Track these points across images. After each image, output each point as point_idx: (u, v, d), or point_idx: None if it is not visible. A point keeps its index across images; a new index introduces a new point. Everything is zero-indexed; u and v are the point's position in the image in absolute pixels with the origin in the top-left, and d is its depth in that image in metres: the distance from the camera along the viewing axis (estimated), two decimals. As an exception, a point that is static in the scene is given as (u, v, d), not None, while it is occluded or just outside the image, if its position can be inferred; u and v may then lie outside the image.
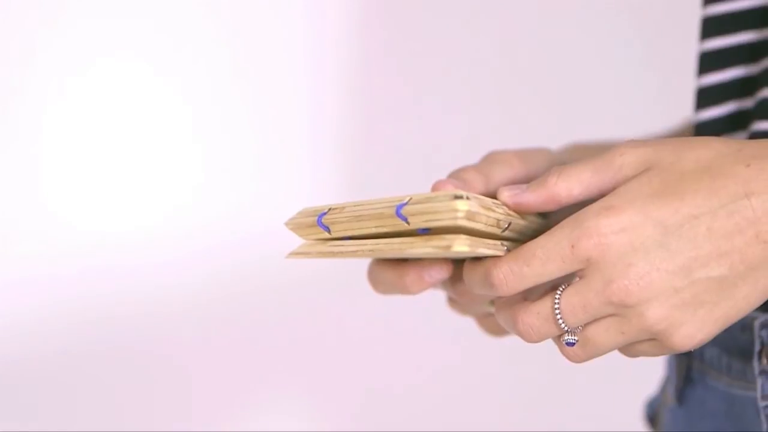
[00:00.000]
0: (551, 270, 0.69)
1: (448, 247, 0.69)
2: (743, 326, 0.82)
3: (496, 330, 0.89)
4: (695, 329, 0.69)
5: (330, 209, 0.75)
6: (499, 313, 0.73)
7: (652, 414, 0.99)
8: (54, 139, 1.49)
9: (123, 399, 1.53)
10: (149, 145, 1.52)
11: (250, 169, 1.56)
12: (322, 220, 0.75)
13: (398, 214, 0.72)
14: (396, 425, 1.60)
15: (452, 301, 0.87)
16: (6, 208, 1.48)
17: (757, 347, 0.81)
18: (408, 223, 0.71)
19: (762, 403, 0.80)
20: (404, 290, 0.79)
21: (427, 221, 0.70)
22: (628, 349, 0.72)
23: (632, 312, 0.68)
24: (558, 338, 0.71)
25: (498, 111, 1.62)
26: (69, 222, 1.50)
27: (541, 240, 0.70)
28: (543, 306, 0.70)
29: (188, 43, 1.51)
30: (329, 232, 0.75)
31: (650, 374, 1.15)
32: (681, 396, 0.91)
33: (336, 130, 1.58)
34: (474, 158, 0.89)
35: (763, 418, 0.81)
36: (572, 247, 0.68)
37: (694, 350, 0.88)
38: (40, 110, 1.48)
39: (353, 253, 0.74)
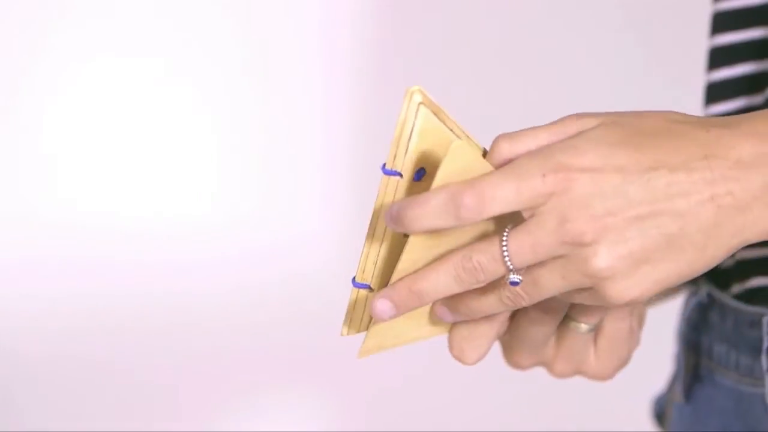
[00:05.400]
0: (524, 198, 0.68)
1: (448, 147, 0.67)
2: (752, 323, 0.82)
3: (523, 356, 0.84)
4: (633, 285, 0.68)
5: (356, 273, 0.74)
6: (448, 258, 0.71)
7: (660, 411, 0.99)
8: (63, 137, 1.49)
9: (131, 398, 1.54)
10: (156, 147, 1.52)
11: (260, 168, 1.56)
12: (357, 281, 0.73)
13: (386, 172, 0.70)
14: (398, 425, 1.60)
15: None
16: (15, 205, 1.48)
17: (765, 344, 0.81)
18: (400, 173, 0.70)
19: (770, 400, 0.81)
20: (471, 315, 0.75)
21: (402, 141, 0.69)
22: (567, 296, 0.71)
23: (579, 256, 0.68)
24: (501, 280, 0.70)
25: (505, 111, 1.62)
26: (73, 222, 1.50)
27: (512, 166, 0.68)
28: (491, 244, 0.69)
29: (201, 42, 1.52)
30: (370, 288, 0.74)
31: (658, 371, 1.15)
32: (689, 393, 0.90)
33: (348, 131, 1.58)
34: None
35: (771, 414, 0.81)
36: (543, 176, 0.67)
37: (703, 346, 0.88)
38: (52, 109, 1.48)
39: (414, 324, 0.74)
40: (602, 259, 0.67)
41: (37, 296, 1.50)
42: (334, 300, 1.57)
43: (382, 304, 0.72)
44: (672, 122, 0.70)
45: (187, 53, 1.52)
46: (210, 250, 1.54)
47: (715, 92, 0.86)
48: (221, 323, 1.56)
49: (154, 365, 1.54)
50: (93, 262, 1.50)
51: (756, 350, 0.82)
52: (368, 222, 0.72)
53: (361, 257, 0.73)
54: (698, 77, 0.92)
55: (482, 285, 0.70)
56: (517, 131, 0.72)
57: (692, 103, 1.09)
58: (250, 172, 1.56)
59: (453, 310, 0.73)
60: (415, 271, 0.71)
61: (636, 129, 0.69)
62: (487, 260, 0.69)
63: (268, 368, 1.60)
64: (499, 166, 0.70)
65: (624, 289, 0.68)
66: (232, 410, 1.58)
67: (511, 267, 0.69)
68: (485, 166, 0.69)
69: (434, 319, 0.75)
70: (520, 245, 0.68)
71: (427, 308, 0.75)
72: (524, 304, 0.71)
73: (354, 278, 0.73)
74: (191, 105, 1.53)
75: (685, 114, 0.71)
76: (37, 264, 1.50)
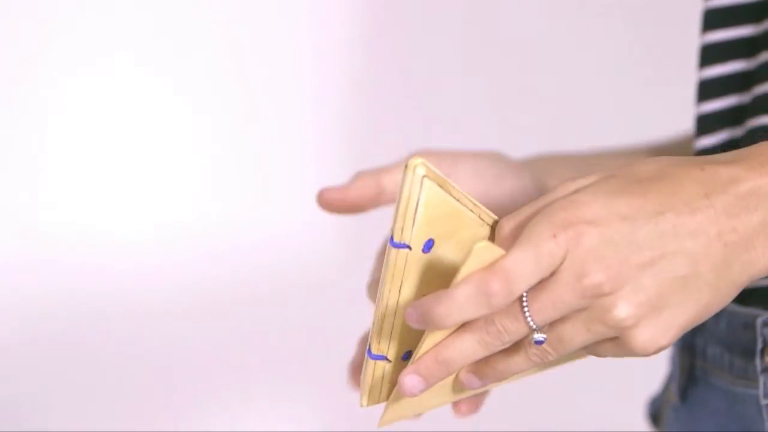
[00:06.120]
0: (544, 266, 0.67)
1: (473, 247, 0.67)
2: (746, 324, 0.82)
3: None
4: (659, 334, 0.69)
5: (369, 343, 0.73)
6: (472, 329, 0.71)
7: (655, 412, 0.99)
8: (55, 141, 1.49)
9: (122, 401, 1.54)
10: (149, 145, 1.52)
11: (251, 169, 1.56)
12: (373, 353, 0.73)
13: (395, 245, 0.70)
14: (397, 425, 1.59)
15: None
16: (8, 209, 1.48)
17: (759, 345, 0.81)
18: (409, 245, 0.69)
19: (764, 401, 0.80)
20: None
21: (409, 214, 0.69)
22: (593, 349, 0.71)
23: (600, 307, 0.68)
24: (525, 339, 0.70)
25: (503, 110, 1.62)
26: (69, 221, 1.50)
27: (523, 238, 0.68)
28: (512, 306, 0.69)
29: (190, 43, 1.51)
30: (387, 359, 0.74)
31: (654, 373, 1.14)
32: (684, 394, 0.90)
33: (340, 131, 1.58)
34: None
35: (765, 416, 0.80)
36: (554, 237, 0.67)
37: (697, 348, 0.88)
38: (42, 112, 1.48)
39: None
40: (623, 308, 0.68)
41: (32, 298, 1.50)
42: (329, 297, 1.57)
43: (410, 380, 0.71)
44: (666, 165, 0.70)
45: (181, 55, 1.51)
46: (201, 249, 1.54)
47: (706, 89, 0.87)
48: (215, 322, 1.56)
49: (149, 364, 1.54)
50: (85, 263, 1.50)
51: (749, 351, 0.82)
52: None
53: (374, 328, 0.73)
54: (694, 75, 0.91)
55: (507, 346, 0.70)
56: (516, 211, 0.72)
57: (688, 101, 1.09)
58: (242, 171, 1.55)
59: (481, 376, 0.73)
60: (439, 342, 0.71)
61: (632, 177, 0.70)
62: (509, 322, 0.69)
63: (263, 366, 1.60)
64: (507, 243, 0.70)
65: (650, 338, 0.69)
66: (227, 409, 1.58)
67: (534, 327, 0.69)
68: (500, 253, 0.69)
69: (455, 385, 0.75)
70: (542, 304, 0.68)
71: (448, 378, 0.74)
72: (551, 359, 0.71)
73: (369, 350, 0.73)
74: (181, 105, 1.53)
75: (676, 157, 0.72)
76: (30, 265, 1.50)
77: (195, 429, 1.55)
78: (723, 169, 0.70)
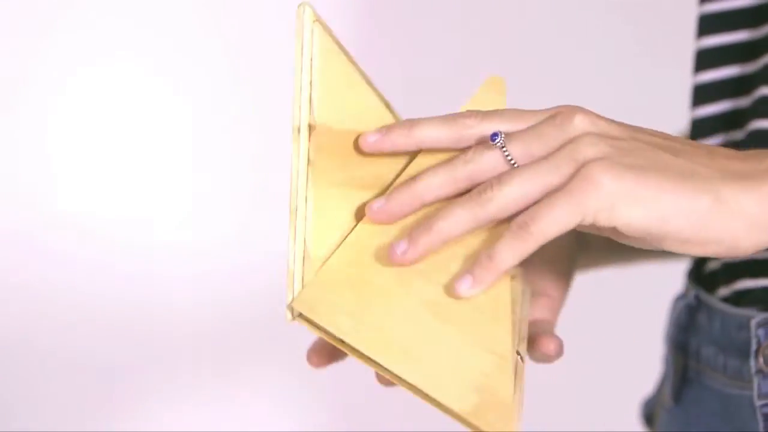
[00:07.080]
0: (523, 123, 0.70)
1: None
2: (740, 325, 0.82)
3: None
4: (616, 172, 0.65)
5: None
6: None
7: (649, 414, 0.99)
8: (55, 141, 1.49)
9: (121, 401, 1.54)
10: (148, 145, 1.52)
11: (249, 168, 1.56)
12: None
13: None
14: (394, 425, 1.60)
15: None
16: (8, 210, 1.49)
17: (753, 346, 0.81)
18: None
19: (758, 402, 0.80)
20: None
21: (305, 70, 0.67)
22: (547, 203, 0.66)
23: (572, 147, 0.67)
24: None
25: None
26: (68, 221, 1.50)
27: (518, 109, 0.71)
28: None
29: (189, 44, 1.52)
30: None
31: (647, 374, 1.15)
32: (678, 395, 0.90)
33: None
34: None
35: (759, 417, 0.80)
36: (548, 113, 0.69)
37: (691, 349, 0.88)
38: (42, 112, 1.48)
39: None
40: (591, 142, 0.66)
41: (28, 298, 1.50)
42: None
43: (376, 202, 0.72)
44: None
45: (181, 55, 1.52)
46: (198, 246, 1.54)
47: (701, 94, 0.87)
48: (214, 323, 1.56)
49: (149, 364, 1.54)
50: (85, 262, 1.51)
51: (744, 353, 0.82)
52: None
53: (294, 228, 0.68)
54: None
55: (474, 175, 0.69)
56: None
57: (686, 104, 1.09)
58: (240, 171, 1.56)
59: (424, 227, 0.69)
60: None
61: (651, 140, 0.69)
62: (481, 144, 0.70)
63: (263, 366, 1.60)
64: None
65: (605, 168, 0.65)
66: (227, 409, 1.58)
67: (495, 130, 0.70)
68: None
69: (371, 325, 0.66)
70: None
71: (370, 293, 0.67)
72: (496, 204, 0.68)
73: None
74: (180, 105, 1.53)
75: None
76: (29, 265, 1.50)
77: (194, 429, 1.55)
78: (731, 149, 0.69)
